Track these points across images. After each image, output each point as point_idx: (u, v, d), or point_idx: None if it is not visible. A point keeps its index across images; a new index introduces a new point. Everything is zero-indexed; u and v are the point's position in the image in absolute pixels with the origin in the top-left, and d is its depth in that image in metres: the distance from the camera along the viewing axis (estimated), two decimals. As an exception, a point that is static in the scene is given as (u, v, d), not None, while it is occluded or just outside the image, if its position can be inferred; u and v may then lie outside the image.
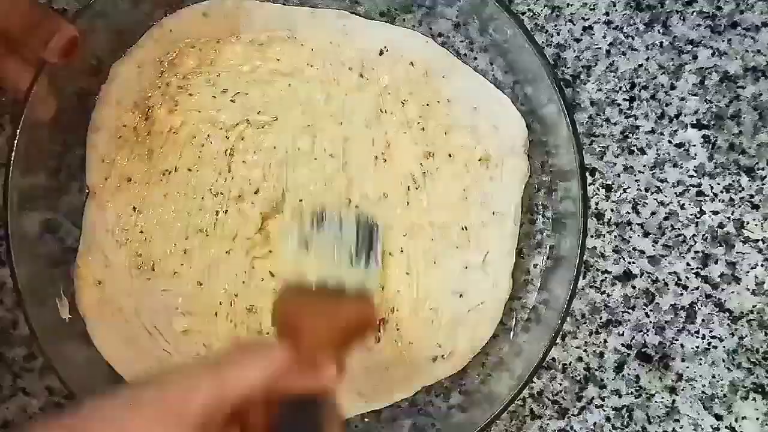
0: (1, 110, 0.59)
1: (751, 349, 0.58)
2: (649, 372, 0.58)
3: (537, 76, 0.54)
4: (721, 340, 0.58)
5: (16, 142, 0.51)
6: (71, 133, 0.56)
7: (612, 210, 0.58)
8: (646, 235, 0.58)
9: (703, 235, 0.58)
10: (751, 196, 0.58)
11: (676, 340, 0.58)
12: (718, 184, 0.58)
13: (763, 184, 0.58)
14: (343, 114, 0.57)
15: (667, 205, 0.58)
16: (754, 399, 0.57)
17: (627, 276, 0.58)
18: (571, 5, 0.59)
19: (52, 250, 0.56)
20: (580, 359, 0.58)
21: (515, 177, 0.57)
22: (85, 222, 0.56)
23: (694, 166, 0.58)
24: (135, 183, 0.56)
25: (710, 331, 0.58)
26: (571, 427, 0.58)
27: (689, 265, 0.58)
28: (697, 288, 0.58)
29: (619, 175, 0.58)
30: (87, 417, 0.35)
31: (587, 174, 0.57)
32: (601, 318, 0.58)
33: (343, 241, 0.50)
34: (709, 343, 0.58)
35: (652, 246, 0.58)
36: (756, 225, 0.58)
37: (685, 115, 0.59)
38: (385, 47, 0.57)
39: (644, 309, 0.58)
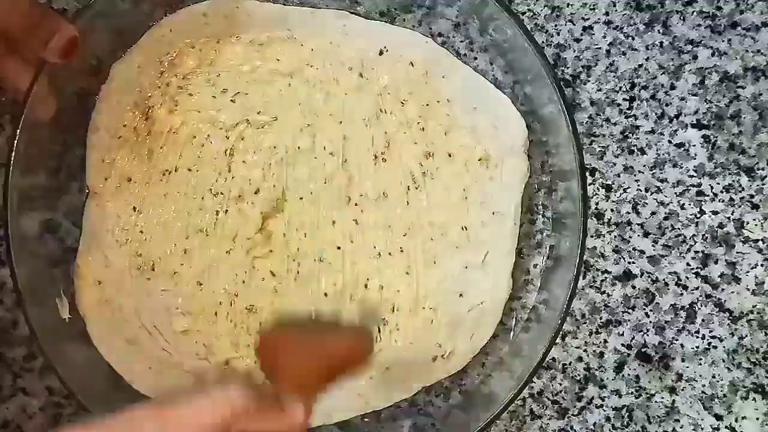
0: (1, 110, 0.59)
1: (751, 349, 0.58)
2: (649, 372, 0.58)
3: (537, 76, 0.54)
4: (721, 340, 0.58)
5: (16, 142, 0.51)
6: (71, 133, 0.56)
7: (612, 210, 0.58)
8: (646, 235, 0.58)
9: (703, 235, 0.58)
10: (751, 196, 0.58)
11: (676, 340, 0.58)
12: (718, 184, 0.58)
13: (763, 184, 0.58)
14: (343, 114, 0.57)
15: (667, 205, 0.58)
16: (754, 399, 0.57)
17: (627, 276, 0.58)
18: (571, 5, 0.59)
19: (52, 250, 0.56)
20: (580, 359, 0.58)
21: (515, 177, 0.57)
22: (85, 222, 0.56)
23: (694, 166, 0.58)
24: (135, 183, 0.56)
25: (710, 331, 0.58)
26: (571, 427, 0.58)
27: (689, 265, 0.58)
28: (697, 288, 0.58)
29: (619, 175, 0.58)
30: None
31: (587, 174, 0.57)
32: (601, 318, 0.58)
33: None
34: (709, 343, 0.58)
35: (652, 246, 0.58)
36: (756, 225, 0.58)
37: (685, 115, 0.59)
38: (385, 47, 0.57)
39: (644, 309, 0.58)
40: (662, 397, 0.58)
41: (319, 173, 0.56)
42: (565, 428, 0.58)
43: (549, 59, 0.56)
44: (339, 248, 0.56)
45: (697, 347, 0.58)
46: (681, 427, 0.58)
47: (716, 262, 0.58)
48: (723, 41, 0.59)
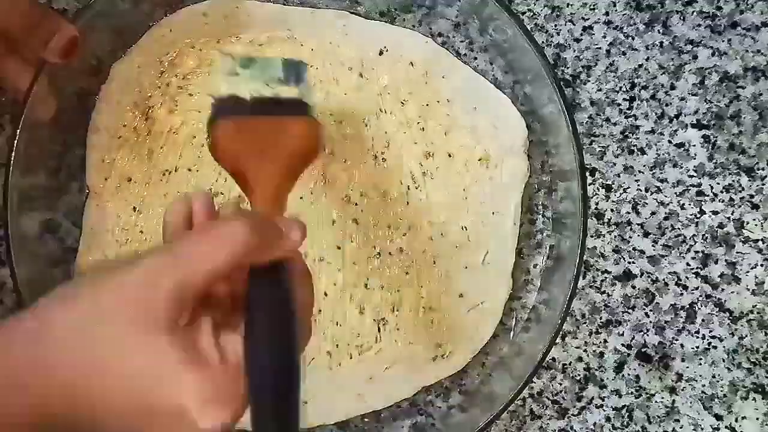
0: (1, 110, 0.59)
1: (751, 349, 0.58)
2: (649, 372, 0.58)
3: (537, 76, 0.54)
4: (721, 340, 0.58)
5: (16, 142, 0.51)
6: (71, 133, 0.56)
7: (612, 210, 0.58)
8: (646, 235, 0.58)
9: (703, 235, 0.58)
10: (751, 196, 0.58)
11: (676, 340, 0.58)
12: (718, 184, 0.58)
13: (763, 184, 0.58)
14: (343, 113, 0.57)
15: (667, 205, 0.58)
16: (754, 399, 0.57)
17: (627, 276, 0.58)
18: (571, 5, 0.59)
19: (52, 250, 0.56)
20: (580, 359, 0.58)
21: (515, 177, 0.57)
22: (85, 222, 0.56)
23: (694, 166, 0.58)
24: (135, 183, 0.56)
25: (710, 331, 0.58)
26: (571, 427, 0.58)
27: (689, 265, 0.58)
28: (697, 288, 0.58)
29: (619, 175, 0.58)
30: (47, 320, 0.34)
31: (587, 174, 0.57)
32: (601, 318, 0.58)
33: (272, 70, 0.46)
34: (709, 343, 0.58)
35: (652, 246, 0.58)
36: (756, 225, 0.58)
37: (685, 115, 0.59)
38: (385, 47, 0.57)
39: (644, 309, 0.58)
40: (662, 397, 0.58)
41: (319, 173, 0.56)
42: (565, 428, 0.58)
43: (549, 59, 0.56)
44: (339, 248, 0.56)
45: (697, 347, 0.58)
46: (681, 427, 0.58)
47: (716, 262, 0.58)
48: (723, 41, 0.59)
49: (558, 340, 0.55)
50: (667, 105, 0.59)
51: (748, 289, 0.58)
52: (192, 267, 0.35)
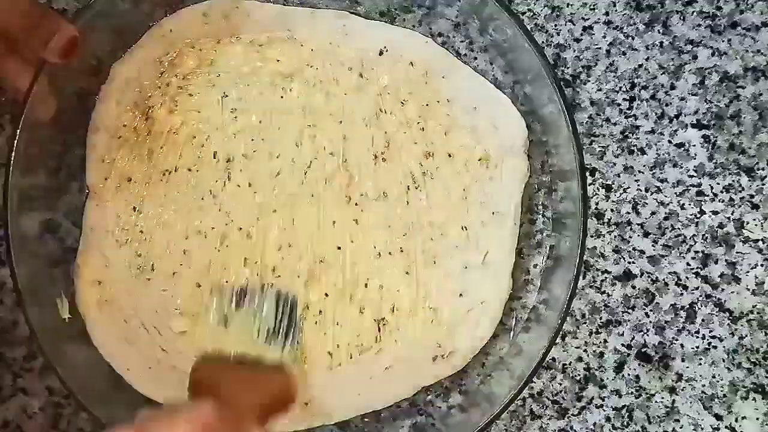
0: (1, 110, 0.59)
1: (751, 349, 0.58)
2: (649, 372, 0.58)
3: (537, 76, 0.54)
4: (721, 340, 0.58)
5: (16, 142, 0.51)
6: (71, 133, 0.56)
7: (612, 210, 0.58)
8: (646, 235, 0.58)
9: (703, 235, 0.58)
10: (751, 196, 0.58)
11: (676, 340, 0.58)
12: (718, 184, 0.58)
13: (763, 184, 0.58)
14: (343, 113, 0.57)
15: (667, 205, 0.58)
16: (754, 399, 0.57)
17: (627, 276, 0.58)
18: (571, 5, 0.59)
19: (52, 250, 0.56)
20: (580, 359, 0.58)
21: (515, 177, 0.57)
22: (85, 222, 0.56)
23: (694, 166, 0.58)
24: (135, 183, 0.56)
25: (710, 331, 0.58)
26: (571, 427, 0.58)
27: (689, 265, 0.58)
28: (697, 288, 0.58)
29: (619, 175, 0.58)
30: None
31: (587, 174, 0.57)
32: (601, 318, 0.58)
33: (262, 318, 0.51)
34: (709, 343, 0.58)
35: (652, 246, 0.58)
36: (756, 225, 0.58)
37: (685, 115, 0.59)
38: (385, 47, 0.57)
39: (644, 309, 0.58)
40: (662, 397, 0.58)
41: (319, 173, 0.56)
42: (565, 428, 0.58)
43: (549, 59, 0.56)
44: (339, 248, 0.56)
45: (697, 347, 0.58)
46: (681, 427, 0.58)
47: (716, 262, 0.58)
48: (723, 41, 0.59)
49: (558, 340, 0.55)
50: (667, 105, 0.59)
51: (748, 289, 0.58)
52: None
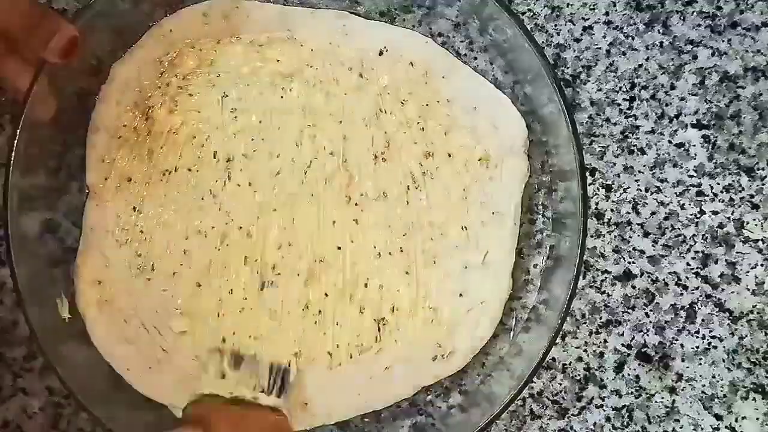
0: (1, 110, 0.59)
1: (751, 349, 0.58)
2: (649, 372, 0.58)
3: (537, 76, 0.54)
4: (721, 340, 0.58)
5: (16, 142, 0.51)
6: (71, 133, 0.56)
7: (612, 210, 0.58)
8: (646, 235, 0.58)
9: (703, 235, 0.58)
10: (751, 196, 0.58)
11: (676, 340, 0.58)
12: (718, 184, 0.58)
13: (763, 184, 0.58)
14: (343, 113, 0.57)
15: (667, 205, 0.58)
16: (754, 399, 0.57)
17: (627, 276, 0.58)
18: (571, 5, 0.59)
19: (52, 250, 0.56)
20: (580, 359, 0.58)
21: (515, 177, 0.57)
22: (85, 222, 0.56)
23: (694, 166, 0.58)
24: (135, 183, 0.56)
25: (710, 331, 0.58)
26: (571, 427, 0.58)
27: (689, 265, 0.58)
28: (697, 288, 0.58)
29: (619, 175, 0.58)
30: None
31: (587, 174, 0.57)
32: (601, 318, 0.58)
33: (258, 377, 0.54)
34: (709, 343, 0.58)
35: (652, 246, 0.58)
36: (756, 225, 0.58)
37: (685, 115, 0.59)
38: (385, 47, 0.57)
39: (644, 309, 0.58)
40: (662, 397, 0.58)
41: (319, 173, 0.56)
42: (565, 428, 0.58)
43: (549, 59, 0.56)
44: (339, 248, 0.56)
45: (697, 347, 0.58)
46: (681, 427, 0.58)
47: (716, 262, 0.58)
48: (723, 41, 0.59)
49: (558, 340, 0.55)
50: (667, 105, 0.59)
51: (748, 289, 0.58)
52: None
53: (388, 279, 0.56)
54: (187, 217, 0.56)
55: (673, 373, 0.58)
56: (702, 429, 0.57)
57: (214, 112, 0.57)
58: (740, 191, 0.58)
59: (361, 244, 0.56)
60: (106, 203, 0.56)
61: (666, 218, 0.58)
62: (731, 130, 0.58)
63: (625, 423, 0.58)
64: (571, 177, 0.53)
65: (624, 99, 0.59)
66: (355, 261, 0.56)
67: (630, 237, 0.58)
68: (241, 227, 0.56)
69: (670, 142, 0.58)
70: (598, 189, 0.58)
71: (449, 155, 0.57)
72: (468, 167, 0.57)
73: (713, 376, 0.58)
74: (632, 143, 0.58)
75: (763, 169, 0.58)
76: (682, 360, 0.58)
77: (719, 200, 0.58)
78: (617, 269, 0.58)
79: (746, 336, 0.58)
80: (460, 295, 0.56)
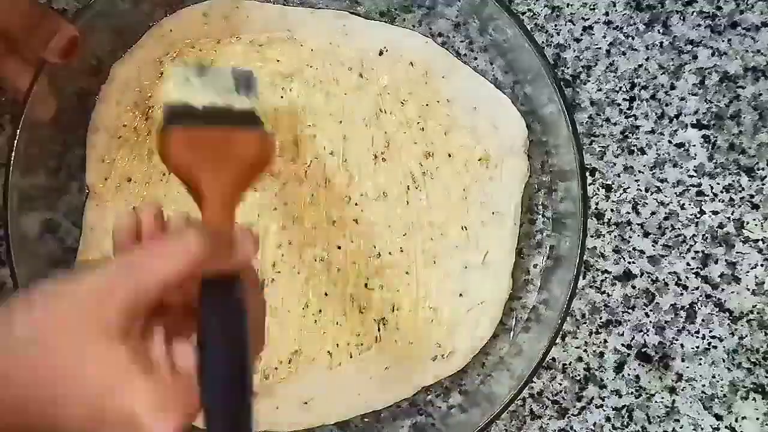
0: (1, 110, 0.59)
1: (751, 349, 0.58)
2: (649, 372, 0.58)
3: (537, 76, 0.54)
4: (721, 340, 0.58)
5: (16, 142, 0.52)
6: (71, 133, 0.56)
7: (612, 210, 0.58)
8: (646, 235, 0.58)
9: (703, 235, 0.58)
10: (751, 196, 0.58)
11: (676, 340, 0.58)
12: (718, 184, 0.58)
13: (763, 184, 0.58)
14: (343, 113, 0.57)
15: (667, 205, 0.58)
16: (754, 399, 0.57)
17: (627, 276, 0.58)
18: (571, 5, 0.59)
19: (52, 250, 0.56)
20: (580, 359, 0.58)
21: (515, 177, 0.57)
22: (85, 222, 0.56)
23: (694, 166, 0.58)
24: (135, 183, 0.56)
25: (710, 331, 0.58)
26: (571, 427, 0.58)
27: (689, 265, 0.58)
28: (697, 288, 0.58)
29: (619, 175, 0.58)
30: (9, 322, 0.35)
31: (587, 174, 0.57)
32: (601, 318, 0.58)
33: (223, 86, 0.46)
34: (709, 343, 0.58)
35: (652, 246, 0.58)
36: (756, 225, 0.58)
37: (685, 115, 0.59)
38: (385, 47, 0.57)
39: (644, 309, 0.58)
40: (662, 397, 0.58)
41: (319, 173, 0.56)
42: (565, 428, 0.58)
43: (549, 59, 0.56)
44: (339, 248, 0.56)
45: (697, 347, 0.58)
46: (681, 427, 0.58)
47: (716, 262, 0.58)
48: (723, 41, 0.59)
49: (558, 340, 0.55)
50: (667, 105, 0.59)
51: (748, 289, 0.58)
52: (144, 277, 0.35)
53: (388, 279, 0.56)
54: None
55: (673, 373, 0.58)
56: (702, 429, 0.57)
57: (214, 112, 0.57)
58: (740, 191, 0.58)
59: (361, 244, 0.56)
60: (106, 203, 0.56)
61: (666, 218, 0.58)
62: (731, 130, 0.58)
63: (625, 423, 0.58)
64: (571, 177, 0.53)
65: (624, 99, 0.59)
66: (355, 261, 0.56)
67: (630, 237, 0.58)
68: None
69: (670, 142, 0.58)
70: (598, 189, 0.58)
71: (449, 155, 0.57)
72: (468, 167, 0.57)
73: (713, 376, 0.58)
74: (632, 143, 0.58)
75: (763, 169, 0.58)
76: (682, 360, 0.58)
77: (719, 200, 0.58)
78: (617, 269, 0.58)
79: (746, 336, 0.58)
80: (460, 295, 0.56)
